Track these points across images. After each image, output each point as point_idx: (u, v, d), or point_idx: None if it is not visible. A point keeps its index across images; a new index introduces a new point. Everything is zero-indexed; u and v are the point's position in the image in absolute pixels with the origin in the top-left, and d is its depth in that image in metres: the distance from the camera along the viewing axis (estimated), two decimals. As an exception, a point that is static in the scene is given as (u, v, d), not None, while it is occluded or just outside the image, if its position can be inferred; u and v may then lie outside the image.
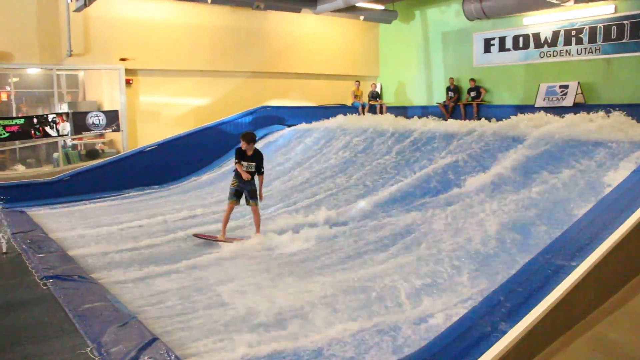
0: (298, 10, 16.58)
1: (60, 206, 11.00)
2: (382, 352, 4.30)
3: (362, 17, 17.74)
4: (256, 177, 8.10)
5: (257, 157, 8.04)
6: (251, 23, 16.59)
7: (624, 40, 13.55)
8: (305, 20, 17.62)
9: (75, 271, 6.17)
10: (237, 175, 8.01)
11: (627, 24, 13.44)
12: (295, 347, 4.39)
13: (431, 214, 8.03)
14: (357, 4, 16.14)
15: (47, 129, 12.91)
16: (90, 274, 6.24)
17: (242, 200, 8.12)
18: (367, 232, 7.96)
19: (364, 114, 16.38)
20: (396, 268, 6.29)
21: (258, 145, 14.23)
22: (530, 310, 3.30)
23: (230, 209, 8.04)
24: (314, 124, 14.75)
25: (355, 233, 8.00)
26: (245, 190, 8.03)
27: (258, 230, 8.02)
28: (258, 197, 8.06)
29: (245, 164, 7.95)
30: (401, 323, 4.78)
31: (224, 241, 7.74)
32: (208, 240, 7.93)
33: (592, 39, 14.16)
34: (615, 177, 6.33)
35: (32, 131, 12.72)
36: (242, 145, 7.91)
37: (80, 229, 8.83)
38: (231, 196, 8.02)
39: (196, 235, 8.11)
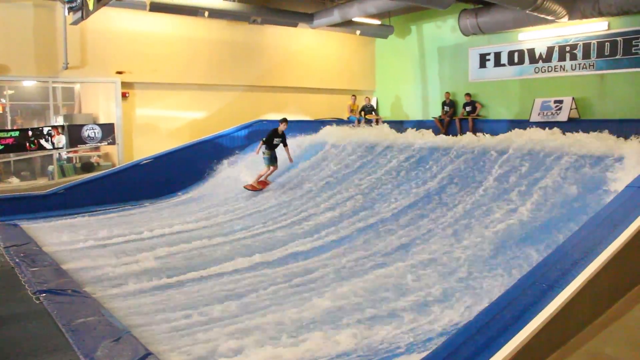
0: (295, 25, 16.69)
1: (54, 219, 10.95)
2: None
3: (358, 32, 17.86)
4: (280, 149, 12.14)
5: (283, 136, 12.13)
6: (248, 37, 16.67)
7: (617, 57, 13.69)
8: (302, 35, 17.72)
9: (69, 285, 6.14)
10: (269, 146, 11.94)
11: (620, 40, 13.59)
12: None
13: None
14: (353, 19, 16.25)
15: (42, 141, 12.88)
16: (84, 288, 6.20)
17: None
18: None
19: (360, 127, 16.40)
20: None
21: (250, 159, 14.52)
22: (525, 325, 3.30)
23: (268, 170, 12.14)
24: (311, 137, 14.76)
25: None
26: (274, 157, 12.12)
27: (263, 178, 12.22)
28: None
29: (276, 140, 11.97)
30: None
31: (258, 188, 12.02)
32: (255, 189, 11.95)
33: (586, 54, 14.30)
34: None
35: (27, 144, 12.68)
36: (282, 126, 11.99)
37: (75, 243, 8.78)
38: (272, 161, 12.07)
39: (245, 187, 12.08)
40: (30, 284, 6.06)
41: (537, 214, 7.34)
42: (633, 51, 13.38)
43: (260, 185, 12.16)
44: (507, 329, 3.34)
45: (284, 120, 12.13)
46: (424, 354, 3.74)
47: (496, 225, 7.42)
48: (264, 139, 11.95)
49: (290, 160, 12.34)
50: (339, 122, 16.88)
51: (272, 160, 12.07)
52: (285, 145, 12.10)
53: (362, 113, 17.01)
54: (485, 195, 8.52)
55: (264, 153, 11.94)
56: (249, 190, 12.01)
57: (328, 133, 14.41)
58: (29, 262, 7.09)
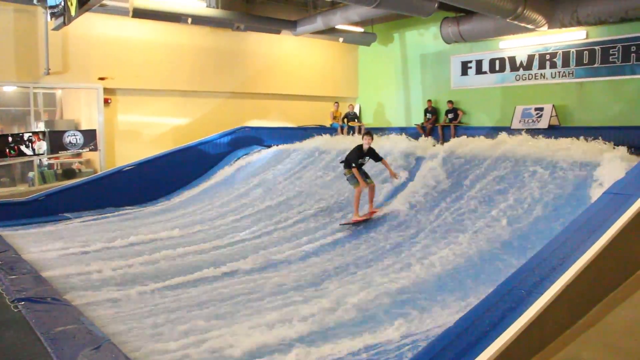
0: (278, 32, 16.72)
1: (34, 226, 10.82)
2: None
3: (341, 39, 17.94)
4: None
5: (371, 152, 9.46)
6: (231, 44, 16.67)
7: (596, 65, 13.92)
8: (285, 42, 17.76)
9: (48, 293, 6.07)
10: (359, 166, 9.29)
11: (598, 49, 13.83)
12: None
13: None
14: (336, 26, 16.32)
15: (23, 147, 12.75)
16: (63, 296, 6.14)
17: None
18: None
19: (342, 134, 16.46)
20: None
21: (236, 166, 14.47)
22: (503, 331, 3.33)
23: (360, 192, 9.29)
24: (293, 145, 14.79)
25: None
26: (365, 174, 9.52)
27: (372, 205, 9.57)
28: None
29: (363, 160, 9.38)
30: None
31: (363, 220, 9.21)
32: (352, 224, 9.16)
33: (566, 63, 14.52)
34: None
35: (7, 150, 12.54)
36: (367, 141, 9.25)
37: (55, 250, 8.68)
38: (355, 181, 9.28)
39: (342, 224, 9.32)
40: (9, 292, 5.98)
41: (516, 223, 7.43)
42: (610, 60, 13.63)
43: (362, 217, 9.35)
44: (486, 335, 3.37)
45: (368, 133, 9.48)
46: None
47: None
48: (342, 160, 9.55)
49: (394, 175, 9.68)
50: (322, 129, 16.93)
51: (362, 175, 9.35)
52: (380, 159, 9.59)
53: (345, 120, 17.06)
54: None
55: (345, 174, 9.51)
56: (350, 224, 9.26)
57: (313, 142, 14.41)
58: (7, 270, 6.99)
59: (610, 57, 13.62)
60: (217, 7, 14.85)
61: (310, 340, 5.01)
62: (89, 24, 13.63)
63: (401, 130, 16.61)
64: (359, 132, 16.59)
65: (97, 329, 5.04)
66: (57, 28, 12.18)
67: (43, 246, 8.97)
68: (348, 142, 13.42)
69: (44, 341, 4.64)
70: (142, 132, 15.17)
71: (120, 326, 5.41)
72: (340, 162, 9.62)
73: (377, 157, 9.50)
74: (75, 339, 4.66)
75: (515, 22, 12.93)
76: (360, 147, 9.35)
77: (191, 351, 4.79)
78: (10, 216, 11.28)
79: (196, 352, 4.79)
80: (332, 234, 9.01)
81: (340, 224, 9.27)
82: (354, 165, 9.13)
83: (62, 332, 4.82)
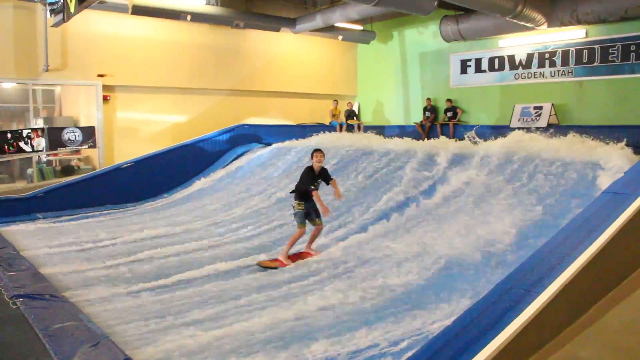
0: (277, 30, 16.71)
1: (33, 223, 10.81)
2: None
3: (340, 37, 17.94)
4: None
5: (324, 173, 7.85)
6: (230, 41, 16.65)
7: (595, 64, 13.93)
8: (284, 40, 17.74)
9: (47, 290, 6.05)
10: (303, 196, 7.66)
11: (597, 48, 13.84)
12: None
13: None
14: (335, 24, 16.32)
15: (22, 144, 12.73)
16: (62, 293, 6.13)
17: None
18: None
19: (342, 132, 16.44)
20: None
21: (236, 164, 14.45)
22: (502, 330, 3.33)
23: (301, 235, 7.72)
24: (292, 142, 14.78)
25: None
26: (311, 210, 7.76)
27: (310, 245, 7.98)
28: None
29: (315, 184, 7.67)
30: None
31: (289, 264, 7.47)
32: (274, 267, 7.36)
33: (565, 61, 14.52)
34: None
35: (6, 146, 12.52)
36: (317, 160, 7.67)
37: (53, 247, 8.67)
38: (302, 220, 7.69)
39: (261, 265, 7.42)
40: (7, 289, 5.96)
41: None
42: (610, 59, 13.63)
43: (289, 261, 7.58)
44: (485, 334, 3.37)
45: (319, 150, 7.85)
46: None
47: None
48: (293, 191, 7.92)
49: (339, 195, 7.94)
50: (321, 127, 16.94)
51: (309, 215, 7.80)
52: (330, 180, 7.93)
53: (345, 118, 17.09)
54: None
55: (293, 207, 7.82)
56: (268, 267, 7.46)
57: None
58: (6, 266, 6.98)
59: (610, 56, 13.63)
60: (217, 5, 14.87)
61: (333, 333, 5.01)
62: (88, 20, 13.61)
63: (400, 128, 16.74)
64: (358, 130, 16.62)
65: (95, 326, 5.03)
66: (56, 25, 12.17)
67: (41, 243, 8.97)
68: (347, 140, 13.46)
69: (43, 338, 4.64)
70: (141, 129, 15.15)
71: (118, 323, 5.41)
72: (291, 193, 7.98)
73: (328, 179, 7.87)
74: (74, 336, 4.65)
75: (515, 21, 12.94)
76: (310, 168, 7.72)
77: (189, 349, 4.79)
78: (9, 212, 11.26)
79: (195, 350, 4.78)
80: (331, 232, 9.00)
81: (257, 263, 7.45)
82: (313, 187, 7.58)
83: (60, 329, 4.81)
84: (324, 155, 7.86)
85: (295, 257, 7.71)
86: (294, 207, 7.76)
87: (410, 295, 6.02)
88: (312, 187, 7.57)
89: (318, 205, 7.60)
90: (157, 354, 4.69)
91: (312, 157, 7.75)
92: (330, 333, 5.08)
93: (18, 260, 7.43)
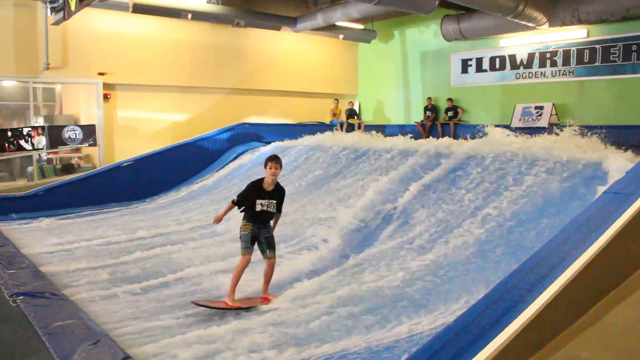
0: (278, 28, 16.70)
1: (33, 221, 10.80)
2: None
3: (341, 36, 17.93)
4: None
5: (280, 193, 5.96)
6: (231, 40, 16.64)
7: (596, 64, 13.91)
8: (285, 38, 17.73)
9: (47, 288, 6.05)
10: (252, 216, 5.86)
11: (598, 48, 13.82)
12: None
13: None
14: (336, 23, 16.31)
15: (22, 142, 12.73)
16: (62, 291, 6.12)
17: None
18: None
19: (342, 131, 16.46)
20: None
21: (236, 163, 14.43)
22: (502, 329, 3.33)
23: (246, 264, 5.83)
24: (293, 141, 14.79)
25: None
26: (262, 236, 5.92)
27: (266, 289, 6.08)
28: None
29: (264, 202, 5.81)
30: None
31: (237, 307, 5.72)
32: (214, 308, 5.75)
33: (566, 61, 14.51)
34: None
35: (6, 144, 12.52)
36: (272, 173, 5.78)
37: (53, 245, 8.68)
38: (247, 246, 5.82)
39: (196, 303, 5.74)
40: (7, 287, 5.96)
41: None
42: (611, 59, 13.62)
43: (236, 303, 5.80)
44: (485, 333, 3.37)
45: (274, 158, 5.86)
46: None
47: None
48: (234, 199, 5.98)
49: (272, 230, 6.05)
50: (322, 126, 16.95)
51: (258, 240, 5.97)
52: (279, 211, 6.00)
53: (346, 117, 17.10)
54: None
55: (241, 229, 5.92)
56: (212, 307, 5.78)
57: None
58: (6, 264, 6.98)
59: (611, 55, 13.61)
60: (217, 3, 14.85)
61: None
62: (88, 19, 13.61)
63: (400, 127, 16.74)
64: (359, 129, 16.63)
65: (95, 324, 5.02)
66: (56, 23, 12.15)
67: (42, 241, 8.97)
68: (348, 140, 13.45)
69: (42, 336, 4.63)
70: (141, 127, 15.15)
71: (118, 322, 5.41)
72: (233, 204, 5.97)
73: (280, 204, 5.95)
74: (74, 334, 4.64)
75: (516, 20, 12.93)
76: (260, 182, 5.89)
77: (190, 346, 4.79)
78: (9, 210, 11.28)
79: (195, 347, 4.78)
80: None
81: (193, 301, 5.81)
82: (257, 210, 5.82)
83: (60, 327, 4.80)
84: (281, 165, 5.87)
85: (247, 301, 5.94)
86: (241, 228, 5.92)
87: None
88: (256, 210, 5.79)
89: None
90: (157, 352, 4.68)
91: (265, 167, 5.86)
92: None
93: (18, 259, 7.43)
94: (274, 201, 5.86)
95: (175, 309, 5.82)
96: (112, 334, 4.86)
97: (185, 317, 5.56)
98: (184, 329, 5.21)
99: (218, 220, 5.92)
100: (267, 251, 5.95)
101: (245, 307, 5.76)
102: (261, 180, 5.88)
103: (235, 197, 5.94)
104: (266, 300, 5.97)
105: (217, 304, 5.75)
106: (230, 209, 5.94)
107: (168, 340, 4.93)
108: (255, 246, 5.94)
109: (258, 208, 5.78)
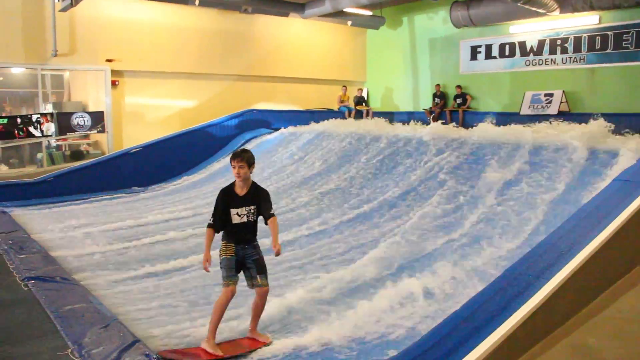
0: (286, 15, 16.61)
1: (43, 207, 10.88)
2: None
3: (349, 23, 17.82)
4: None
5: (258, 195, 4.56)
6: (239, 26, 16.59)
7: (608, 51, 13.76)
8: (292, 25, 17.66)
9: (57, 272, 6.12)
10: (231, 233, 4.56)
11: (610, 34, 13.67)
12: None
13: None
14: (345, 9, 16.20)
15: (31, 129, 12.80)
16: (72, 276, 6.19)
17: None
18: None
19: (350, 118, 16.43)
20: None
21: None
22: (510, 316, 3.34)
23: (230, 297, 4.49)
24: (301, 128, 14.78)
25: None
26: (249, 259, 4.57)
27: (255, 326, 4.71)
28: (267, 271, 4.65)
29: (240, 211, 4.49)
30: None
31: (217, 357, 4.34)
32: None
33: (577, 48, 14.36)
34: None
35: (16, 131, 12.59)
36: (235, 172, 4.45)
37: (63, 230, 8.74)
38: (231, 274, 4.48)
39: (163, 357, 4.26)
40: (19, 271, 6.05)
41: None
42: (623, 45, 13.46)
43: (217, 350, 4.39)
44: (493, 319, 3.38)
45: (237, 156, 4.46)
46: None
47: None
48: (210, 221, 4.58)
49: (276, 248, 4.34)
50: (330, 112, 16.92)
51: (244, 266, 4.59)
52: (271, 216, 4.50)
53: (354, 104, 17.07)
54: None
55: (220, 252, 4.57)
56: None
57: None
58: (17, 249, 7.06)
59: (624, 42, 13.45)
60: (225, -11, 14.79)
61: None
62: (96, 5, 13.61)
63: (409, 114, 16.68)
64: (367, 116, 16.58)
65: (105, 308, 5.08)
66: (64, 9, 12.19)
67: (52, 226, 9.02)
68: (355, 127, 13.41)
69: (53, 319, 4.70)
70: (150, 114, 15.18)
71: (128, 305, 5.45)
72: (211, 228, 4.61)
73: (267, 210, 4.50)
74: (84, 318, 4.70)
75: (526, 7, 12.80)
76: (230, 187, 4.58)
77: (199, 331, 4.82)
78: (20, 197, 11.36)
79: (204, 332, 4.81)
80: (340, 216, 9.01)
81: (159, 353, 4.28)
82: (234, 223, 4.52)
83: (70, 311, 4.87)
84: (247, 163, 4.46)
85: (230, 346, 4.56)
86: (220, 251, 4.57)
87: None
88: (233, 222, 4.51)
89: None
90: (166, 336, 4.73)
91: (231, 163, 4.51)
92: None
93: (29, 243, 7.51)
94: (252, 207, 4.51)
95: (186, 294, 5.86)
96: (121, 318, 4.91)
97: (196, 303, 5.58)
98: (194, 314, 5.25)
99: (207, 261, 4.46)
100: (257, 277, 4.54)
101: (228, 357, 4.38)
102: (232, 184, 4.57)
103: (210, 219, 4.56)
104: (256, 343, 4.61)
105: (191, 353, 4.40)
106: (210, 237, 4.55)
107: (176, 325, 4.97)
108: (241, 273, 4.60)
109: (235, 220, 4.47)
